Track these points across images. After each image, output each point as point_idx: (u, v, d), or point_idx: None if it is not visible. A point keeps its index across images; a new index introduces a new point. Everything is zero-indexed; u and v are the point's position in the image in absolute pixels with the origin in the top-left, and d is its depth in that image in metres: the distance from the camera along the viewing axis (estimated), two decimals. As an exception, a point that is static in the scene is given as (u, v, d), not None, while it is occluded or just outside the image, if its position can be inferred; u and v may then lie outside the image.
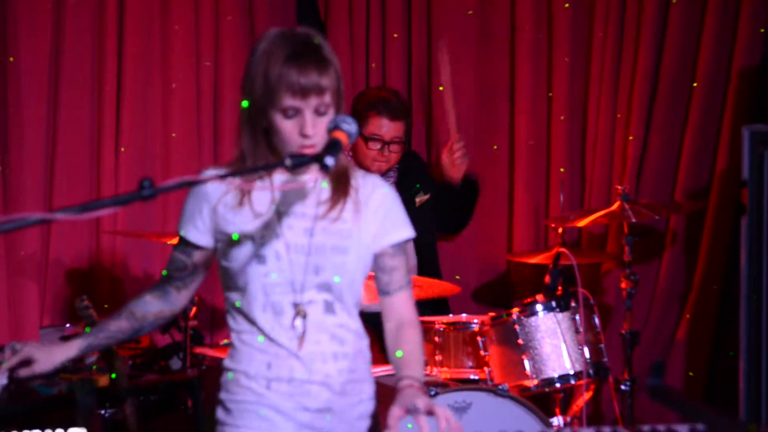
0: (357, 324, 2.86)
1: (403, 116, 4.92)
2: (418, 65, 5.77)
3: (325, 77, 2.70)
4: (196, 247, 2.85)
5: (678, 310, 5.44)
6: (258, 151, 2.77)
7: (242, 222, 2.77)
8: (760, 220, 4.60)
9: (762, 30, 5.26)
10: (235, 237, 2.76)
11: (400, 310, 2.89)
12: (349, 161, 2.88)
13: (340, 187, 2.82)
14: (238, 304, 2.81)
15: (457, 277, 5.64)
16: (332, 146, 2.54)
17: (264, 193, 2.80)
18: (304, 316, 2.75)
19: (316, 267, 2.76)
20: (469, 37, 5.71)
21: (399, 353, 2.82)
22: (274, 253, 2.75)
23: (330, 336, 2.78)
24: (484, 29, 5.71)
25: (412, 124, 4.99)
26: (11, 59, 5.27)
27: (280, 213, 2.78)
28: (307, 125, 2.68)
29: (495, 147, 5.71)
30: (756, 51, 5.28)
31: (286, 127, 2.70)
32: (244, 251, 2.76)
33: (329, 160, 2.49)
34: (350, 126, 2.63)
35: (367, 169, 2.88)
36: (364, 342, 2.88)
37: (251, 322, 2.79)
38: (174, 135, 5.51)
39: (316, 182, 2.80)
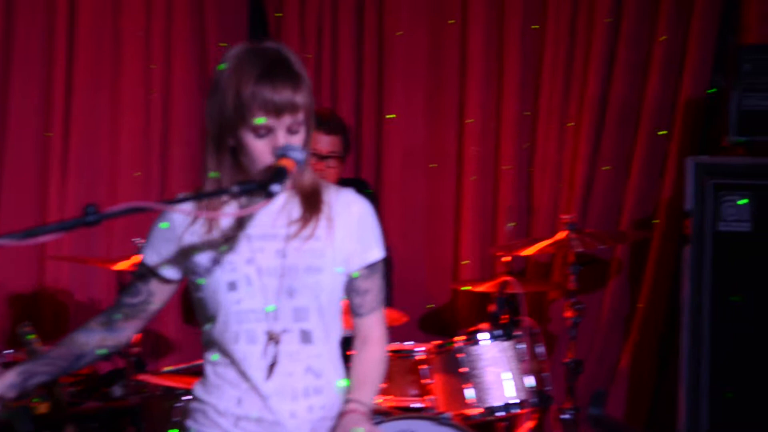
0: (336, 355, 2.77)
1: (339, 131, 4.90)
2: (368, 93, 5.80)
3: (299, 94, 2.62)
4: (154, 274, 2.77)
5: (621, 338, 5.46)
6: (222, 172, 2.67)
7: (211, 249, 2.68)
8: (702, 249, 4.66)
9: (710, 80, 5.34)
10: (203, 266, 2.68)
11: (370, 329, 2.82)
12: (317, 177, 2.78)
13: (312, 204, 2.73)
14: (211, 334, 2.72)
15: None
16: (278, 174, 2.49)
17: (232, 217, 2.71)
18: (277, 343, 2.66)
19: (289, 289, 2.67)
20: (420, 65, 5.75)
21: (351, 376, 2.76)
22: (245, 279, 2.66)
23: (305, 368, 2.69)
24: (435, 58, 5.75)
25: (349, 140, 4.98)
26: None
27: (250, 236, 2.69)
28: (280, 145, 2.59)
29: (432, 165, 5.74)
30: (702, 83, 5.34)
31: (258, 146, 2.60)
32: (214, 279, 2.67)
33: (275, 188, 2.44)
34: (298, 153, 2.57)
35: None
36: (341, 375, 2.78)
37: (224, 352, 2.70)
38: (139, 173, 5.51)
39: (282, 200, 2.69)
